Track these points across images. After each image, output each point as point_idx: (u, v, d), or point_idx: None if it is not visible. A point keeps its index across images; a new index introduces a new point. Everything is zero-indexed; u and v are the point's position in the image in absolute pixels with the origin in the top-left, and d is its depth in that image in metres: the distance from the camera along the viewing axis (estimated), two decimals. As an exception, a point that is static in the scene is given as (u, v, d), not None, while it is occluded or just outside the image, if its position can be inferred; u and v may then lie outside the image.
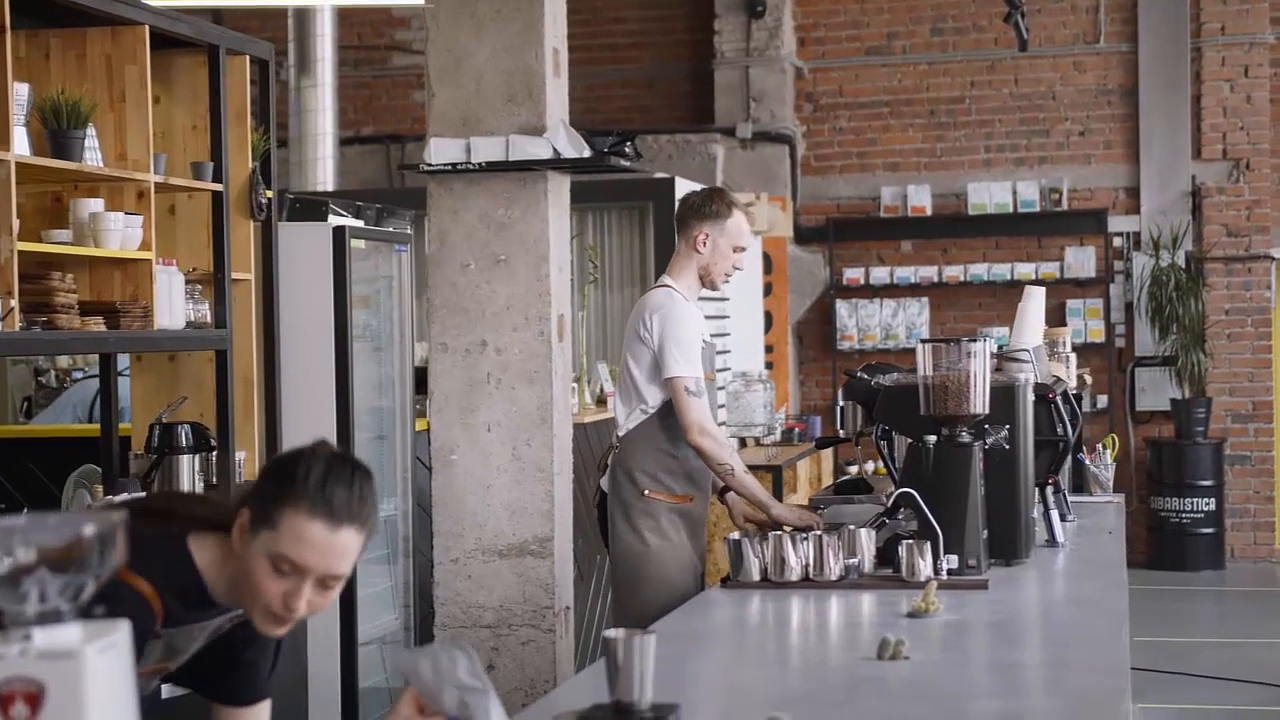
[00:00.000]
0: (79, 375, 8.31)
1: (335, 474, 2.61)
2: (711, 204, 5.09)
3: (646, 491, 5.02)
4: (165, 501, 2.79)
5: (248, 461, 5.70)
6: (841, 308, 12.64)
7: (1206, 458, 11.97)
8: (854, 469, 9.96)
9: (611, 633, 2.72)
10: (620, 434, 5.10)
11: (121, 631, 1.79)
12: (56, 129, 4.80)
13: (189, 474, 5.33)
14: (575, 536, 5.90)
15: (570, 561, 5.80)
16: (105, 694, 1.75)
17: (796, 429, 10.65)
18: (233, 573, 2.67)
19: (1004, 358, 5.11)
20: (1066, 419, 5.01)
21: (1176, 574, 11.76)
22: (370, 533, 2.66)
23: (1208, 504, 11.94)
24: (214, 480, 5.48)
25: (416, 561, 6.66)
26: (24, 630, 1.75)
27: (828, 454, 10.77)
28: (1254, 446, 12.32)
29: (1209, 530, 11.95)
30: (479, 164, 5.54)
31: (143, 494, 4.92)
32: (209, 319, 5.50)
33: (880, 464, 5.47)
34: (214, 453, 5.48)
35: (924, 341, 4.43)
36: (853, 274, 12.64)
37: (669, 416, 4.98)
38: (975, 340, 4.37)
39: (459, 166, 5.56)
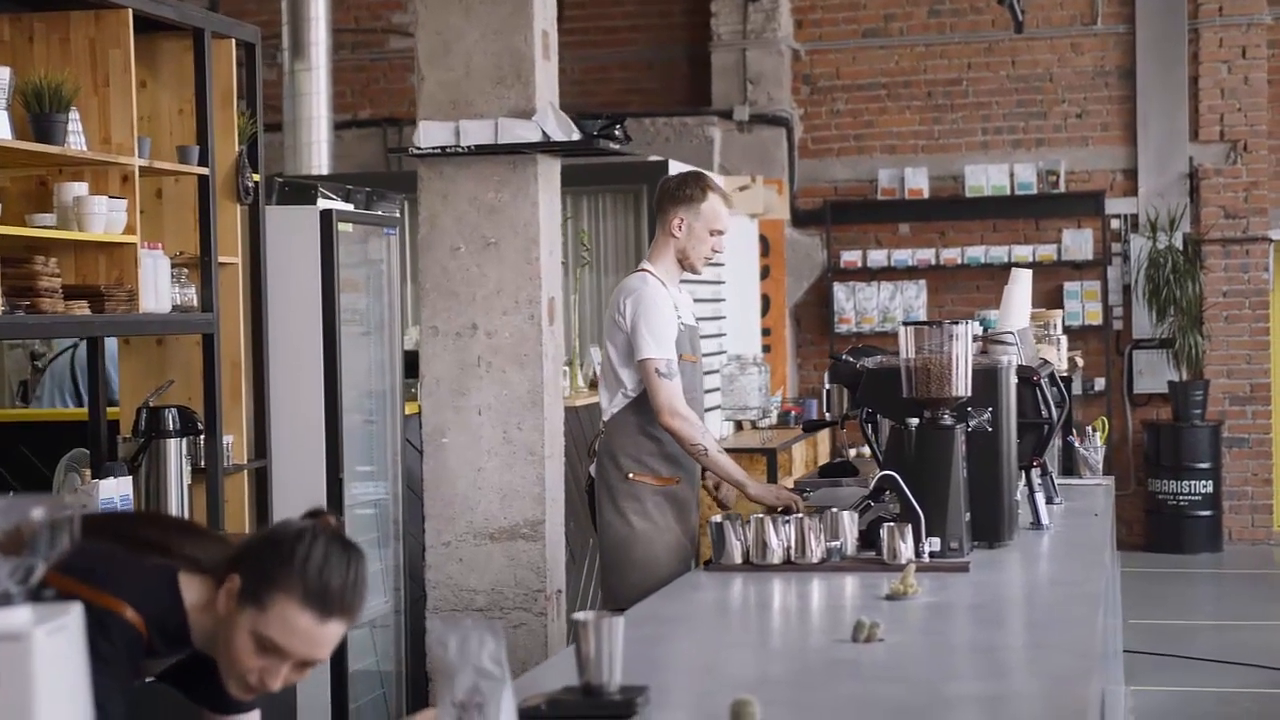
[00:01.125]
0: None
1: (332, 561, 2.60)
2: (686, 188, 5.08)
3: (631, 475, 5.02)
4: (160, 533, 2.76)
5: (235, 445, 5.70)
6: (839, 291, 12.62)
7: (1204, 440, 11.95)
8: (852, 451, 9.95)
9: (580, 615, 2.73)
10: (604, 419, 5.10)
11: (73, 614, 1.79)
12: (39, 113, 4.78)
13: (176, 457, 5.32)
14: (566, 520, 5.90)
15: (562, 545, 5.80)
16: (55, 676, 1.75)
17: (793, 412, 10.63)
18: (213, 627, 2.66)
19: (989, 340, 5.10)
20: (1051, 401, 5.00)
21: (1174, 556, 11.76)
22: (357, 620, 2.67)
23: (1205, 486, 11.93)
24: (202, 464, 5.48)
25: (407, 545, 6.66)
26: (-28, 613, 1.75)
27: (824, 437, 10.75)
28: (1252, 429, 12.30)
29: (1206, 513, 11.95)
30: (468, 147, 5.54)
31: (133, 512, 4.86)
32: (195, 303, 5.49)
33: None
34: (201, 436, 5.48)
35: (906, 324, 4.43)
36: (850, 257, 12.63)
37: (649, 400, 4.97)
38: (957, 323, 4.37)
39: (448, 150, 5.56)
